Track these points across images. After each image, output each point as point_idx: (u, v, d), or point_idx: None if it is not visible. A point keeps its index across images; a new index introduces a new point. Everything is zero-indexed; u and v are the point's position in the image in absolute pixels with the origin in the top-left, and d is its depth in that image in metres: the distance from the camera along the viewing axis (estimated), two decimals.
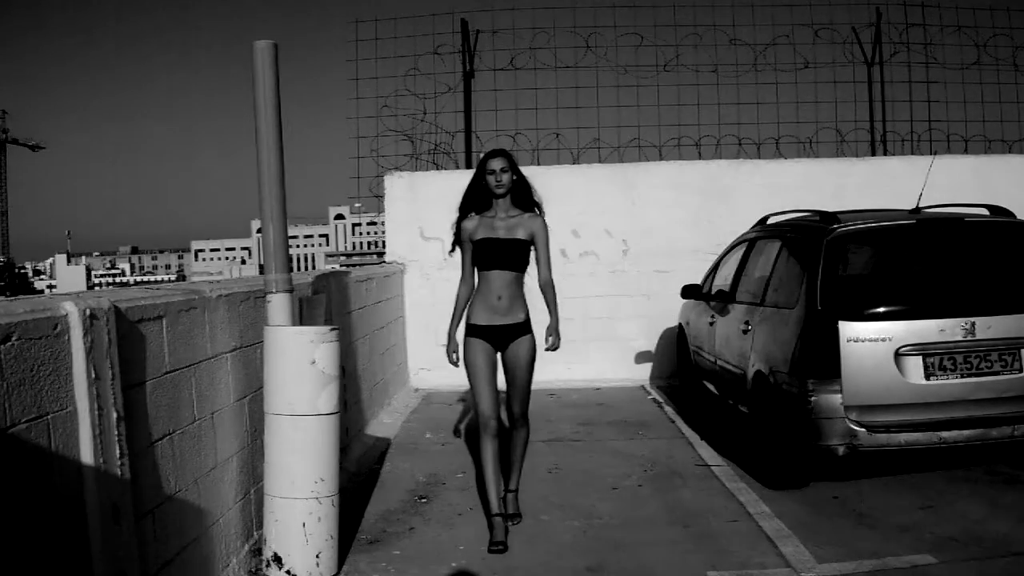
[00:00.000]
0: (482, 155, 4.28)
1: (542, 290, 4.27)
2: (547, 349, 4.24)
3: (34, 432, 2.28)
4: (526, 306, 4.24)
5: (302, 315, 4.35)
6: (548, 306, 4.26)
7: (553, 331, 4.23)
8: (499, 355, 4.27)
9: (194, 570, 3.31)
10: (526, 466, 4.64)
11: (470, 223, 4.25)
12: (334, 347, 3.68)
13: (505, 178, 4.17)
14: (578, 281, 8.72)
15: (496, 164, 4.17)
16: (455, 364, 4.28)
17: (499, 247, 4.17)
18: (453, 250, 4.36)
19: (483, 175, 4.19)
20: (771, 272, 5.39)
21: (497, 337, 4.22)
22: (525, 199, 4.26)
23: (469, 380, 4.25)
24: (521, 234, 4.20)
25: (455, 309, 4.38)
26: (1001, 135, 9.61)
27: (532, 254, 4.28)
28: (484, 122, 9.75)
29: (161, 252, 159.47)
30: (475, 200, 4.25)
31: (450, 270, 9.26)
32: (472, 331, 4.23)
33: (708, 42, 9.60)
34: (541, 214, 4.28)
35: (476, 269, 4.27)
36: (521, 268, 4.20)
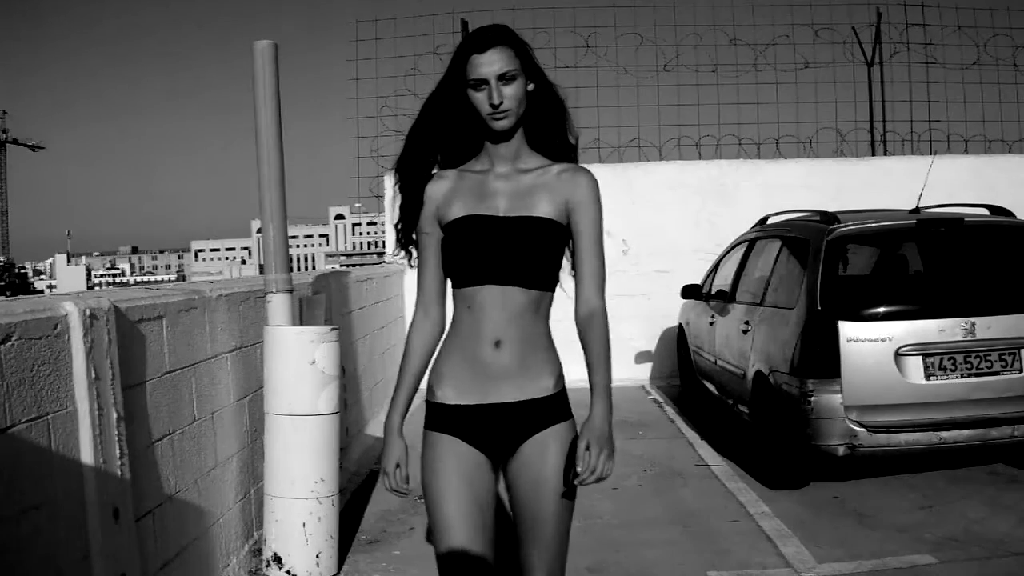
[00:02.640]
0: (461, 39, 2.16)
1: (580, 326, 2.05)
2: (577, 479, 1.95)
3: (34, 432, 2.28)
4: (555, 359, 2.07)
5: (302, 315, 4.35)
6: (589, 364, 2.03)
7: (597, 432, 1.94)
8: (499, 471, 2.10)
9: (194, 570, 3.31)
10: None
11: (439, 186, 2.09)
12: (334, 347, 3.68)
13: (510, 93, 1.96)
14: None
15: (489, 64, 1.94)
16: (402, 492, 2.08)
17: (497, 233, 1.99)
18: (404, 248, 2.15)
19: (463, 86, 1.99)
20: (771, 272, 5.39)
21: (493, 431, 2.02)
22: (553, 135, 2.08)
23: (431, 523, 2.05)
24: (545, 206, 2.01)
25: (402, 369, 2.13)
26: (1001, 135, 9.63)
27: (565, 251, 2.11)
28: None
29: (161, 252, 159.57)
30: (442, 138, 2.09)
31: None
32: (439, 418, 2.05)
33: (708, 42, 9.63)
34: (579, 166, 2.09)
35: (451, 284, 2.08)
36: (543, 280, 2.01)
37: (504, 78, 1.95)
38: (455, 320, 2.06)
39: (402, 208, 2.12)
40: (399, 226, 2.13)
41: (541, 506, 2.02)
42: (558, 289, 2.06)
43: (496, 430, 2.02)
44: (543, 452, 2.01)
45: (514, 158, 2.06)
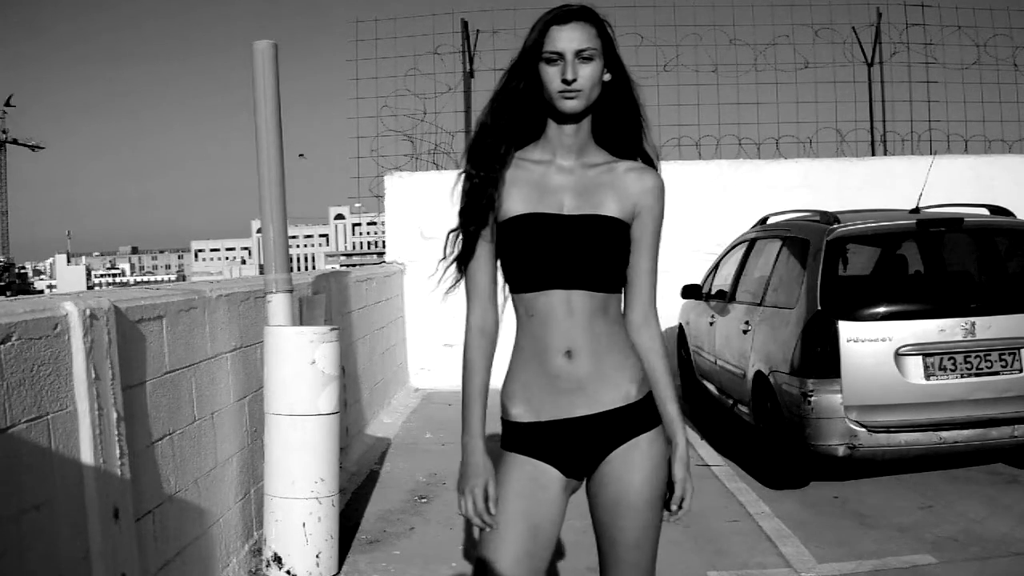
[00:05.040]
0: (539, 20, 1.83)
1: (640, 330, 1.94)
2: (673, 512, 2.00)
3: (34, 432, 2.28)
4: (634, 363, 1.92)
5: (302, 315, 4.35)
6: (658, 379, 1.96)
7: (685, 460, 2.01)
8: (575, 490, 1.96)
9: (194, 570, 3.31)
10: None
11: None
12: (334, 347, 3.68)
13: (586, 73, 1.79)
14: None
15: (569, 38, 1.78)
16: (488, 525, 1.85)
17: (561, 234, 1.84)
18: (462, 255, 1.92)
19: (537, 59, 1.81)
20: (771, 272, 5.39)
21: (571, 449, 1.88)
22: (623, 132, 1.92)
23: (481, 543, 1.90)
24: (612, 204, 1.87)
25: (468, 388, 1.92)
26: (1001, 135, 9.62)
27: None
28: None
29: (161, 252, 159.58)
30: (511, 122, 1.87)
31: (450, 269, 9.28)
32: (512, 437, 1.91)
33: (708, 42, 9.62)
34: (651, 162, 1.95)
35: (508, 288, 1.92)
36: (611, 282, 1.88)
37: (582, 56, 1.78)
38: (519, 329, 1.90)
39: (469, 208, 1.87)
40: (463, 230, 1.89)
41: (620, 528, 1.88)
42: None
43: (574, 447, 1.87)
44: (624, 470, 1.87)
45: (579, 150, 1.88)
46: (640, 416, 1.89)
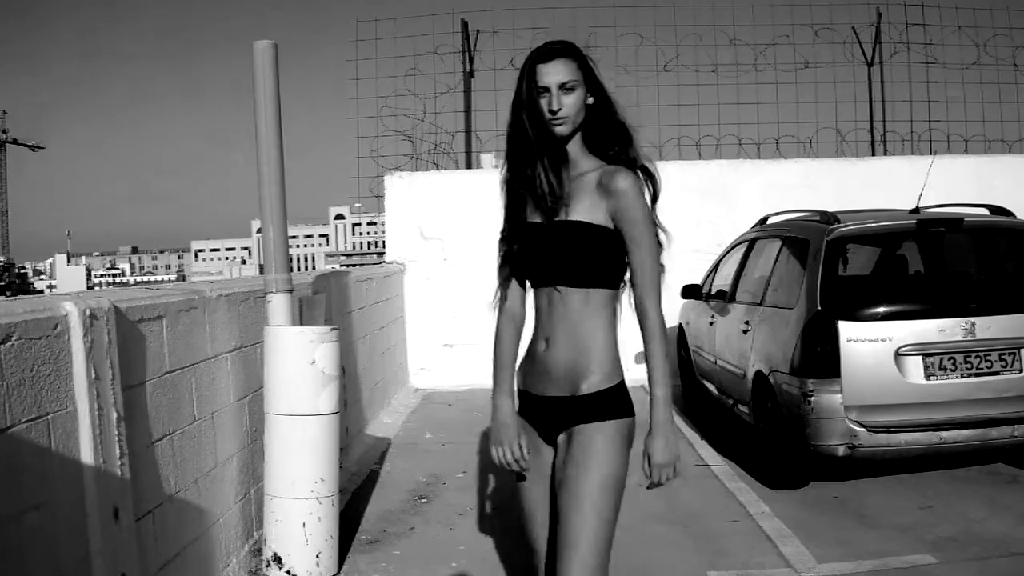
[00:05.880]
0: (529, 53, 2.17)
1: (639, 323, 2.16)
2: (650, 485, 2.22)
3: (34, 432, 2.28)
4: (609, 358, 2.15)
5: (302, 315, 4.35)
6: (649, 366, 2.17)
7: (660, 436, 2.16)
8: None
9: (194, 570, 3.31)
10: None
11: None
12: (334, 347, 3.68)
13: (569, 102, 2.09)
14: None
15: (553, 73, 2.08)
16: (522, 468, 2.23)
17: (540, 240, 2.14)
18: (506, 252, 2.24)
19: (532, 93, 2.11)
20: (771, 272, 5.39)
21: (543, 422, 2.22)
22: (611, 142, 2.17)
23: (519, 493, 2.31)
24: (583, 210, 2.11)
25: (496, 355, 2.31)
26: (1001, 135, 9.62)
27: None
28: (484, 122, 9.78)
29: (161, 252, 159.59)
30: (524, 142, 2.14)
31: (450, 269, 9.41)
32: (520, 402, 2.28)
33: (708, 42, 9.62)
34: (634, 164, 2.16)
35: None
36: (586, 279, 2.11)
37: (564, 87, 2.09)
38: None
39: (509, 214, 2.23)
40: (503, 233, 2.23)
41: (568, 506, 2.08)
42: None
43: (543, 421, 2.21)
44: (577, 447, 2.12)
45: (573, 163, 2.17)
46: (598, 405, 2.12)
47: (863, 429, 4.42)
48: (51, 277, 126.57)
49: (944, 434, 4.42)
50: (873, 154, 9.68)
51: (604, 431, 2.11)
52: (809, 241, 4.95)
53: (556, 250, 2.11)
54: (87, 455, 2.48)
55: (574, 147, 2.17)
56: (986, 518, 4.23)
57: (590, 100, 2.14)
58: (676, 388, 8.12)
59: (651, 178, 2.18)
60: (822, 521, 4.30)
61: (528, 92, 2.11)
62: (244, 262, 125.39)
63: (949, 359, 4.46)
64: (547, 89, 2.08)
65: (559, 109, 2.08)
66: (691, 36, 9.56)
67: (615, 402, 2.14)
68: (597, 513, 2.06)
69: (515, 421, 2.22)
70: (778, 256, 5.39)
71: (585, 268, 2.10)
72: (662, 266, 2.14)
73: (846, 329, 4.47)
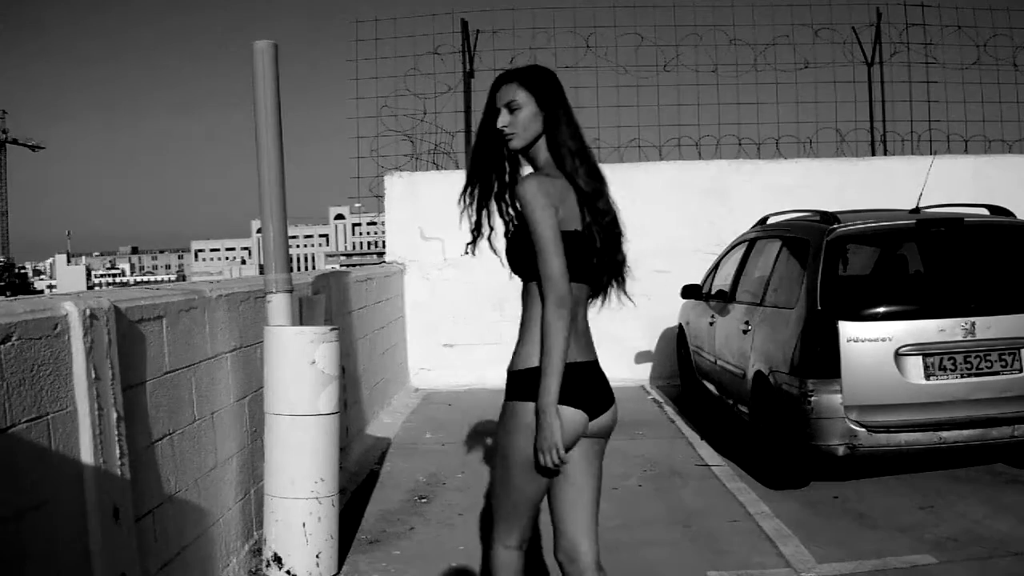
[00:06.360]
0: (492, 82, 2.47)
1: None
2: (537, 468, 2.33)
3: (34, 432, 2.28)
4: (527, 340, 2.36)
5: (302, 315, 4.35)
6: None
7: (540, 409, 2.25)
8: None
9: (194, 570, 3.31)
10: None
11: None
12: (334, 347, 3.68)
13: (514, 120, 2.35)
14: None
15: (503, 96, 2.37)
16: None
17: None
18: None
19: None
20: (771, 272, 5.39)
21: None
22: (558, 150, 2.38)
23: None
24: (514, 213, 2.45)
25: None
26: (1001, 135, 9.61)
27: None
28: None
29: (161, 252, 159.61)
30: (489, 156, 2.42)
31: (450, 269, 9.41)
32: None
33: (708, 42, 9.61)
34: (529, 173, 2.40)
35: None
36: (523, 274, 2.39)
37: (511, 107, 2.35)
38: None
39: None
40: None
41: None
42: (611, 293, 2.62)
43: None
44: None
45: (539, 171, 2.40)
46: (511, 387, 2.38)
47: (863, 429, 4.42)
48: (51, 277, 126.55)
49: (944, 434, 4.43)
50: (873, 154, 9.68)
51: (508, 411, 2.37)
52: (809, 241, 4.95)
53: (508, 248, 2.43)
54: (87, 455, 2.48)
55: (534, 156, 2.41)
56: (986, 518, 4.23)
57: (543, 114, 2.36)
58: (676, 388, 8.13)
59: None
60: (822, 521, 4.30)
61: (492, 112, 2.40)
62: (244, 262, 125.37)
63: (949, 359, 4.46)
64: (499, 109, 2.37)
65: (507, 126, 2.35)
66: (691, 36, 9.56)
67: (517, 385, 2.35)
68: (496, 488, 2.45)
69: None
70: (778, 256, 5.40)
71: (516, 263, 2.38)
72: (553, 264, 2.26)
73: (846, 329, 4.47)
